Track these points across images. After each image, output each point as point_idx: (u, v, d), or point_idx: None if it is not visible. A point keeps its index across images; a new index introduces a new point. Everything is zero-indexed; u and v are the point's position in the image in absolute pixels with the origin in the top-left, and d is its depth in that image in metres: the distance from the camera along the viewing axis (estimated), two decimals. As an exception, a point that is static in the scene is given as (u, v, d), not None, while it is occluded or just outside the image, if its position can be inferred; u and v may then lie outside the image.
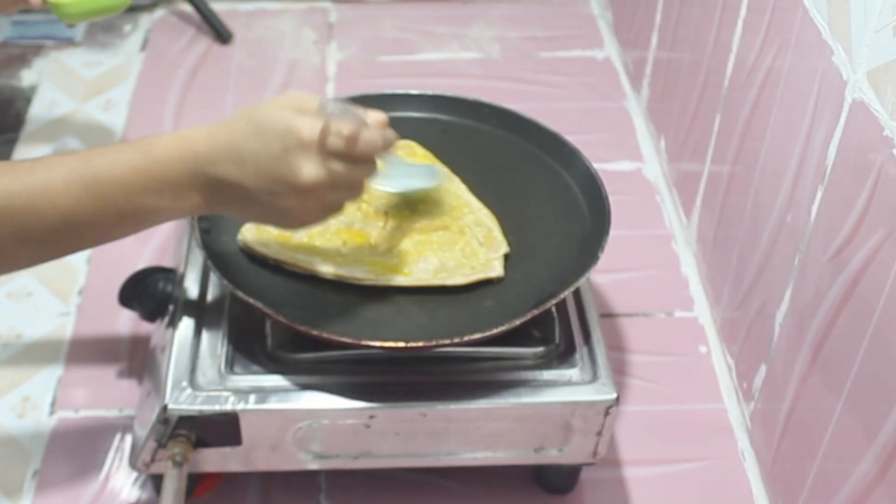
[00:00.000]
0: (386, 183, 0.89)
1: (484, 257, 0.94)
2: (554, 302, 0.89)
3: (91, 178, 0.76)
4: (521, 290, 0.92)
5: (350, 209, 0.97)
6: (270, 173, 0.76)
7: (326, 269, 0.92)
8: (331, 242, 0.94)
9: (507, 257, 0.95)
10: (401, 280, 0.92)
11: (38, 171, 0.76)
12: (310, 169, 0.76)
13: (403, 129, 1.07)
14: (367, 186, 0.83)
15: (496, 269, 0.93)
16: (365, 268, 0.92)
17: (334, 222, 0.95)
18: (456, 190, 1.01)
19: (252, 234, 0.94)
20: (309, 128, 0.75)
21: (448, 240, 0.96)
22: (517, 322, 0.87)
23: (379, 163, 0.83)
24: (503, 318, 0.87)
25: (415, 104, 1.11)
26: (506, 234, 0.97)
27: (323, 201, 0.79)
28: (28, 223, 0.75)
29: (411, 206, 0.99)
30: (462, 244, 0.95)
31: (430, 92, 1.11)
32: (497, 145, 1.07)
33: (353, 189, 0.81)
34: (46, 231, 0.76)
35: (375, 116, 0.82)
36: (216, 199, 0.78)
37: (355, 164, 0.79)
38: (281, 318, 0.87)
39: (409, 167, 0.97)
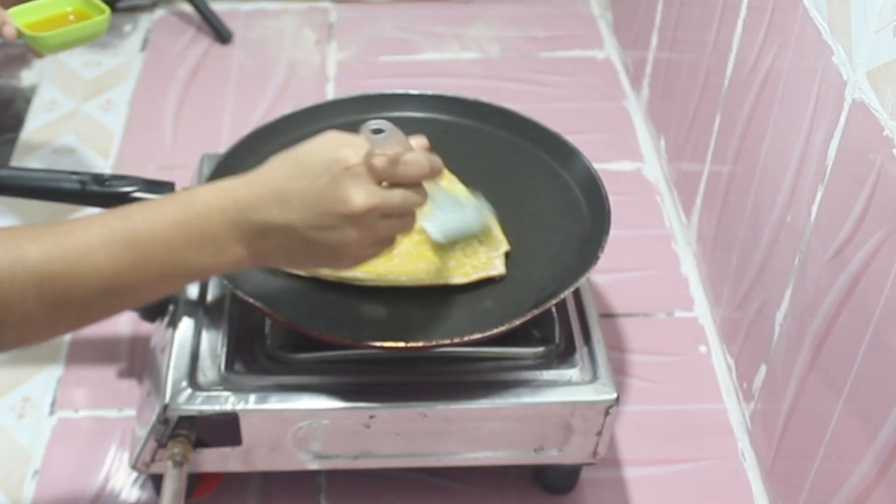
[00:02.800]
0: (434, 226, 0.89)
1: (485, 256, 0.94)
2: (554, 302, 0.88)
3: (131, 235, 0.72)
4: (521, 290, 0.92)
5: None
6: (319, 207, 0.74)
7: (327, 272, 0.92)
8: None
9: (507, 257, 0.95)
10: (402, 280, 0.92)
11: (76, 233, 0.71)
12: (360, 194, 0.73)
13: (403, 128, 1.08)
14: (417, 221, 0.80)
15: (497, 268, 0.93)
16: (365, 269, 0.92)
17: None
18: (455, 190, 1.01)
19: None
20: (354, 154, 0.74)
21: (448, 239, 0.96)
22: (517, 322, 0.87)
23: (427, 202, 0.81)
24: (503, 319, 0.87)
25: (415, 104, 1.11)
26: (506, 234, 0.97)
27: (375, 231, 0.76)
28: (69, 289, 0.70)
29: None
30: (462, 243, 0.95)
31: (429, 92, 1.11)
32: (497, 145, 1.07)
33: (404, 218, 0.78)
34: (89, 295, 0.71)
35: (418, 141, 0.81)
36: (260, 249, 0.75)
37: (405, 188, 0.77)
38: (281, 318, 0.87)
39: (455, 206, 0.90)
